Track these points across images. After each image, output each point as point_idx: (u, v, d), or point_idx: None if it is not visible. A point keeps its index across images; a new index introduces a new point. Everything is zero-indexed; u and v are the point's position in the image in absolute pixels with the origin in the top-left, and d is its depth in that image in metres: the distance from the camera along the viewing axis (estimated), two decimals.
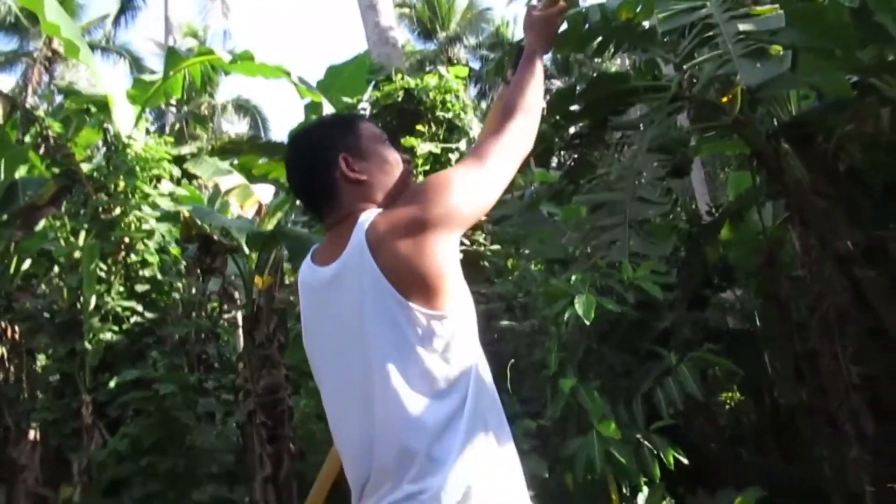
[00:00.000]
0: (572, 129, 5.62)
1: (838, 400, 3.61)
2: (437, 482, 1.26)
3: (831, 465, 3.65)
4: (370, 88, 5.16)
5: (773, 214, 5.39)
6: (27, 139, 5.27)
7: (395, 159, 1.48)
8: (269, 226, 7.07)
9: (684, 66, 3.97)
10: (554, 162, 6.95)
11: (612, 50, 4.52)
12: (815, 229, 3.78)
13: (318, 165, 1.46)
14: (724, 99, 3.52)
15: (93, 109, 5.56)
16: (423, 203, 1.34)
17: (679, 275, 3.94)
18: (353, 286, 1.35)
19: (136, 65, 18.00)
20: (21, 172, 5.86)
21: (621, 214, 3.62)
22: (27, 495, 4.85)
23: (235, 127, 19.89)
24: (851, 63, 3.16)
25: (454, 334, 1.33)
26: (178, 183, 5.74)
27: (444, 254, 1.32)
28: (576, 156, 5.69)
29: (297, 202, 7.17)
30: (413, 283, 1.30)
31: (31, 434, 5.27)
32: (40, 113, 5.34)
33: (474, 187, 1.38)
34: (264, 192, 7.22)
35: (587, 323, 2.98)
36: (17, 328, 5.34)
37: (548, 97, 6.01)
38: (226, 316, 8.71)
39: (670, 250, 3.79)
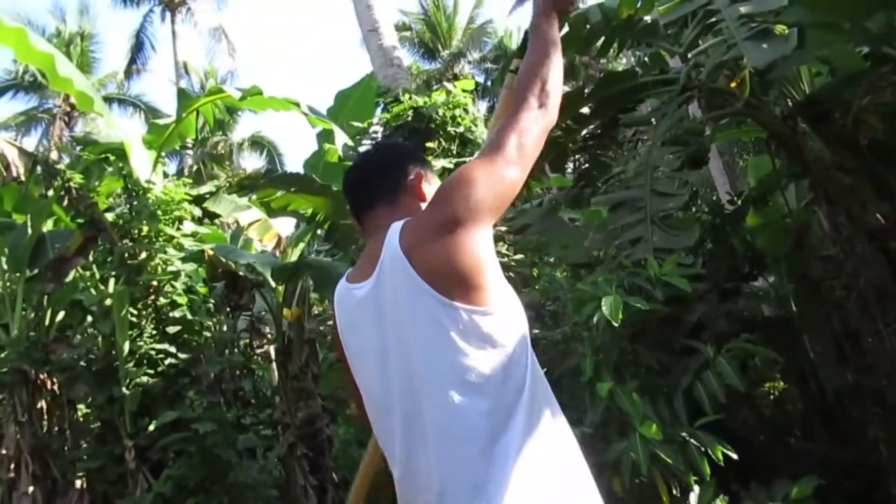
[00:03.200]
0: (584, 133, 5.61)
1: (885, 377, 3.51)
2: (495, 489, 1.22)
3: (886, 445, 3.54)
4: (379, 111, 5.19)
5: (797, 196, 5.29)
6: (50, 193, 5.39)
7: None
8: (293, 258, 7.13)
9: (690, 56, 3.94)
10: (569, 167, 6.93)
11: (616, 48, 4.51)
12: (842, 206, 3.70)
13: (398, 165, 1.58)
14: (733, 84, 3.47)
15: (111, 158, 5.67)
16: (449, 202, 1.34)
17: (707, 267, 3.86)
18: (392, 295, 1.35)
19: (152, 113, 18.37)
20: (48, 226, 5.98)
21: (641, 211, 3.58)
22: None
23: (253, 163, 20.19)
24: (860, 34, 3.11)
25: (501, 328, 1.31)
26: (199, 222, 5.82)
27: (479, 249, 1.32)
28: (589, 158, 5.67)
29: (318, 231, 7.25)
30: (452, 281, 1.30)
31: (77, 483, 5.33)
32: (61, 166, 5.46)
33: (497, 178, 1.38)
34: (282, 226, 7.29)
35: (616, 325, 2.94)
36: (55, 379, 5.41)
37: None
38: (258, 351, 8.78)
39: (694, 241, 3.73)
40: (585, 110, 5.19)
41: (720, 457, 2.81)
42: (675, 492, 2.88)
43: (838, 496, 3.23)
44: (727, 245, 4.78)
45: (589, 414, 3.02)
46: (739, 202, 5.38)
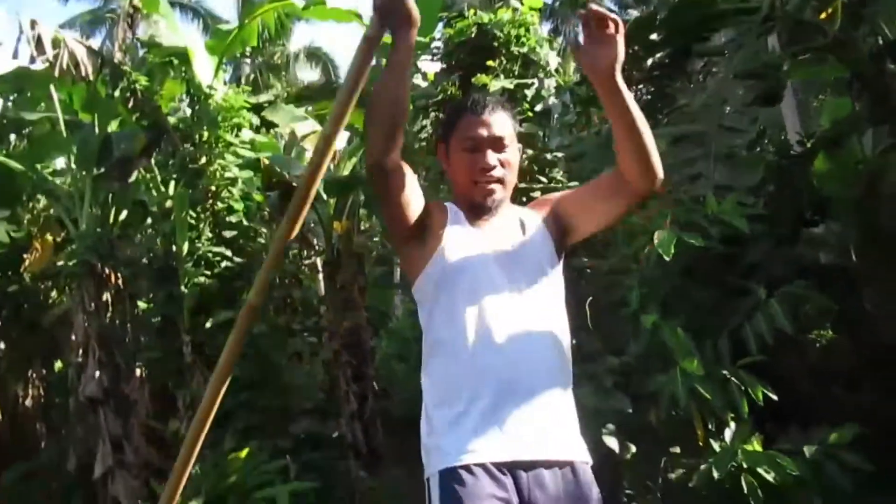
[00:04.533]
0: (650, 61, 5.38)
1: None
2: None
3: None
4: (441, 26, 5.07)
5: (874, 143, 5.02)
6: (117, 94, 5.50)
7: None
8: (345, 171, 7.19)
9: None
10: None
11: None
12: None
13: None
14: (823, 15, 3.26)
15: (175, 62, 5.73)
16: None
17: (767, 209, 3.75)
18: None
19: (212, 20, 18.31)
20: (113, 126, 6.15)
21: (705, 146, 3.47)
22: (140, 427, 5.28)
23: (308, 75, 20.08)
24: None
25: (419, 293, 1.59)
26: (257, 131, 5.89)
27: (405, 262, 1.62)
28: (654, 89, 5.46)
29: None
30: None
31: (138, 372, 5.70)
32: (127, 68, 5.54)
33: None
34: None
35: (667, 259, 2.91)
36: (119, 274, 5.70)
37: (625, 28, 5.73)
38: (305, 262, 9.03)
39: (758, 181, 3.60)
40: (655, 37, 4.97)
41: (760, 397, 2.82)
42: (710, 427, 2.92)
43: (877, 448, 3.21)
44: (792, 188, 4.61)
45: (631, 345, 3.04)
46: (809, 144, 5.15)
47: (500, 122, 1.57)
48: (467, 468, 1.39)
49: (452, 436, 1.43)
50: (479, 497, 1.36)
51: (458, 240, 1.54)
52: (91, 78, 5.24)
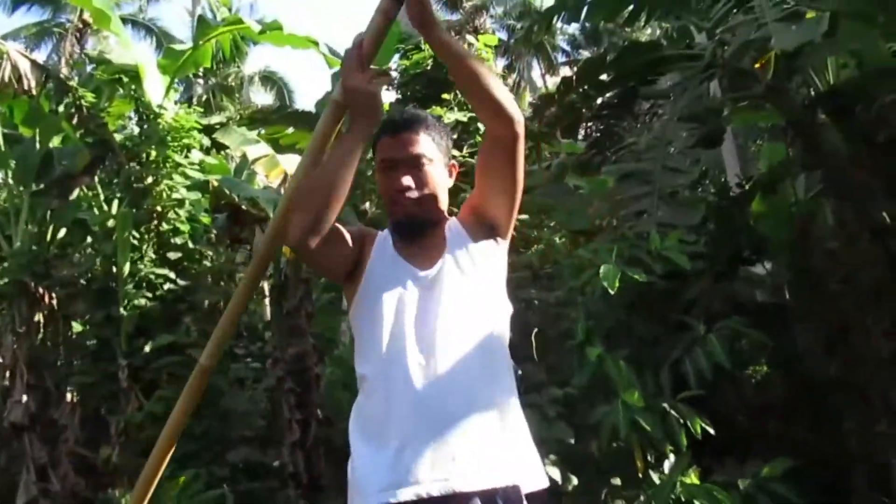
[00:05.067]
0: (599, 100, 5.56)
1: (868, 374, 3.57)
2: None
3: (858, 439, 3.62)
4: (397, 57, 5.13)
5: (806, 187, 5.28)
6: (61, 109, 5.35)
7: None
8: None
9: (717, 32, 3.89)
10: (580, 134, 6.88)
11: (645, 18, 4.45)
12: (851, 201, 3.70)
13: None
14: (758, 64, 3.44)
15: (124, 79, 5.62)
16: None
17: (707, 247, 3.89)
18: None
19: (165, 38, 18.07)
20: (56, 142, 5.96)
21: (650, 184, 3.58)
22: (68, 454, 5.03)
23: (262, 98, 19.95)
24: (894, 29, 3.07)
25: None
26: (207, 152, 5.80)
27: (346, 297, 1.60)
28: (602, 126, 5.63)
29: None
30: None
31: (69, 397, 5.46)
32: (73, 83, 5.41)
33: None
34: (289, 163, 7.26)
35: (612, 293, 2.98)
36: (54, 294, 5.48)
37: (576, 67, 5.93)
38: None
39: (699, 220, 3.74)
40: (605, 77, 5.14)
41: (699, 430, 2.89)
42: (650, 458, 2.97)
43: (807, 481, 3.32)
44: (730, 228, 4.79)
45: (576, 376, 3.08)
46: (747, 186, 5.38)
47: (417, 141, 1.53)
48: None
49: (369, 475, 1.40)
50: None
51: (380, 272, 1.52)
52: (34, 92, 5.09)
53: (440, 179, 1.55)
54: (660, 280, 3.14)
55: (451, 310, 1.46)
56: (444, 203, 1.58)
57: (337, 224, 1.49)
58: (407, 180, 1.50)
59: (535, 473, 1.49)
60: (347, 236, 1.54)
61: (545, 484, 1.48)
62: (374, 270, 1.52)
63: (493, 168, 1.53)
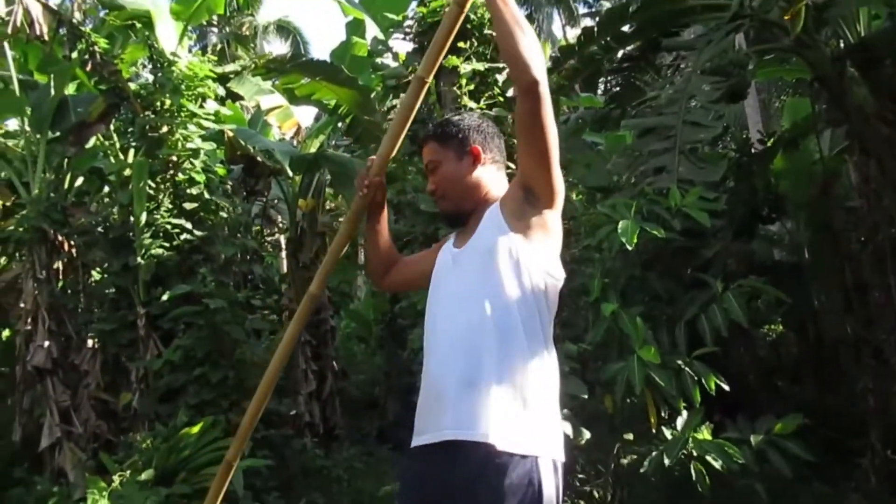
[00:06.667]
0: (620, 53, 5.42)
1: (886, 333, 3.56)
2: None
3: (875, 398, 3.63)
4: (414, 4, 5.00)
5: (830, 144, 5.17)
6: (74, 55, 5.29)
7: None
8: (312, 149, 7.09)
9: None
10: (600, 88, 6.73)
11: None
12: (875, 157, 3.62)
13: None
14: (787, 16, 3.32)
15: (137, 25, 5.54)
16: None
17: (727, 204, 3.84)
18: None
19: None
20: (70, 89, 5.92)
21: (671, 139, 3.52)
22: (90, 399, 5.15)
23: (276, 48, 19.67)
24: None
25: None
26: (222, 102, 5.74)
27: None
28: (622, 80, 5.51)
29: (339, 125, 7.17)
30: None
31: (90, 343, 5.55)
32: (86, 29, 5.33)
33: None
34: (303, 115, 7.20)
35: (629, 249, 2.96)
36: (73, 242, 5.53)
37: (597, 18, 5.75)
38: (268, 238, 8.88)
39: (720, 177, 3.68)
40: (626, 29, 5.01)
41: (713, 387, 2.90)
42: (663, 414, 2.99)
43: (817, 440, 3.35)
44: (750, 185, 4.73)
45: (590, 332, 3.09)
46: (770, 143, 5.28)
47: (428, 150, 1.77)
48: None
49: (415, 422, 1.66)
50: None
51: (437, 259, 1.76)
52: (46, 38, 5.02)
53: (455, 174, 1.73)
54: (678, 237, 3.10)
55: (475, 278, 1.59)
56: (471, 189, 1.72)
57: (404, 257, 1.96)
58: (431, 184, 1.78)
59: (525, 439, 1.48)
60: (420, 256, 1.92)
61: (533, 452, 1.47)
62: (437, 261, 1.77)
63: (519, 126, 1.60)
